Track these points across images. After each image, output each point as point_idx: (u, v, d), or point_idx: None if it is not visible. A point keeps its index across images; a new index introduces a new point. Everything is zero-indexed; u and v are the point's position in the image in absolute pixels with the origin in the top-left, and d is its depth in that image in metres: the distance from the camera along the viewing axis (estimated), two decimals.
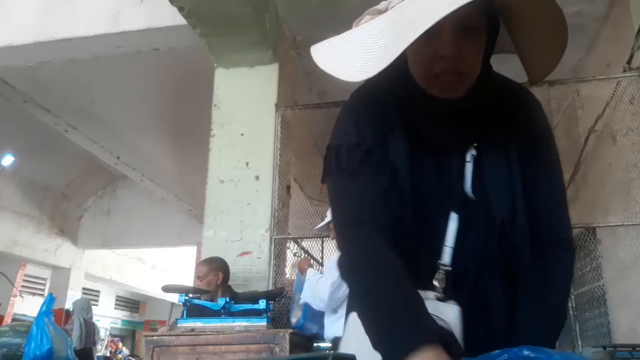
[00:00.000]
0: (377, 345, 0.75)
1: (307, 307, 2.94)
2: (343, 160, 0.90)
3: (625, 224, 3.58)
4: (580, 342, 4.17)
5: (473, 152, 0.91)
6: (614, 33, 4.01)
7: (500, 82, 0.96)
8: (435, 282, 0.87)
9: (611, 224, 3.82)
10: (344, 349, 0.90)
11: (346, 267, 0.87)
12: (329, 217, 2.97)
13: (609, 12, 4.04)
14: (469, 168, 0.90)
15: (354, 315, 0.88)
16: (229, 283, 3.28)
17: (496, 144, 0.92)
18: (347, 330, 0.93)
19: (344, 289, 2.49)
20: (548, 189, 0.93)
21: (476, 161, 0.91)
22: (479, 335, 0.85)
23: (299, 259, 4.44)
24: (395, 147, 0.91)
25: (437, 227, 0.89)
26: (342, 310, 2.56)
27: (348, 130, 0.93)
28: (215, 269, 3.14)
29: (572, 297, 4.42)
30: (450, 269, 0.87)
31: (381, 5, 0.90)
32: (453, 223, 0.89)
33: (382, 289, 0.79)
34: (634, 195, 3.58)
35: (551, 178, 0.94)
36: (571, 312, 4.28)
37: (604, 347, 3.31)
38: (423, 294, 0.82)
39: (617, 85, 3.68)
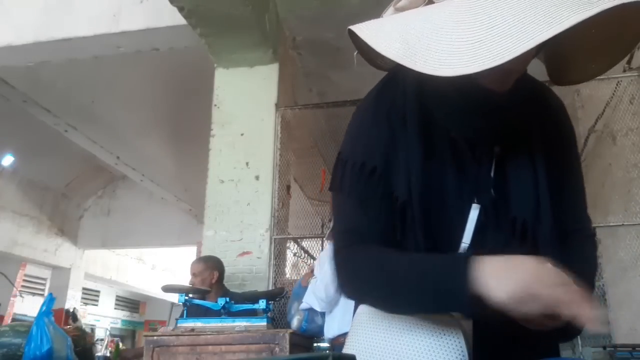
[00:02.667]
0: (440, 305, 0.74)
1: (307, 312, 2.93)
2: (349, 182, 0.87)
3: (625, 224, 3.58)
4: (580, 342, 4.17)
5: (497, 149, 0.87)
6: None
7: (527, 80, 0.89)
8: None
9: (611, 224, 3.81)
10: (351, 343, 0.89)
11: (354, 278, 0.84)
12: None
13: None
14: (492, 167, 0.87)
15: (360, 310, 0.88)
16: (226, 283, 3.29)
17: (521, 142, 0.88)
18: (354, 325, 0.91)
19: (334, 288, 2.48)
20: (572, 189, 0.92)
21: (500, 159, 0.87)
22: (493, 333, 0.79)
23: (298, 258, 4.44)
24: (408, 150, 0.86)
25: (459, 224, 0.86)
26: (336, 310, 2.57)
27: (356, 145, 0.89)
28: (211, 268, 3.15)
29: None
30: None
31: None
32: (472, 221, 0.85)
33: (404, 264, 0.78)
34: (634, 195, 3.58)
35: (575, 179, 0.93)
36: None
37: (604, 347, 3.31)
38: None
39: (617, 85, 3.68)
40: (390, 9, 0.85)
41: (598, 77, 3.89)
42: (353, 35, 0.78)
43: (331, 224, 3.05)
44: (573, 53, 0.84)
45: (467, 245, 0.84)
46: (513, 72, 0.75)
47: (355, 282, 0.85)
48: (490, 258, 0.70)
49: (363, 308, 0.89)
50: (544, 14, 0.62)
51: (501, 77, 0.75)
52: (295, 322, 2.95)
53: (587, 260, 0.89)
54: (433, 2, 0.78)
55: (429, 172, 0.85)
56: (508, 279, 0.67)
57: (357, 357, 0.75)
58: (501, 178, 0.87)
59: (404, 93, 0.89)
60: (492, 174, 0.86)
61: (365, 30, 0.76)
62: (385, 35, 0.73)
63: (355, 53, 0.87)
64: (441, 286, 0.73)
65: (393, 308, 0.83)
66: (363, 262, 0.83)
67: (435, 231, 0.84)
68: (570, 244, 0.88)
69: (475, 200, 0.85)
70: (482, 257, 0.70)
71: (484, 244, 0.84)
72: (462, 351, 0.76)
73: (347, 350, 0.88)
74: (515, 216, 0.84)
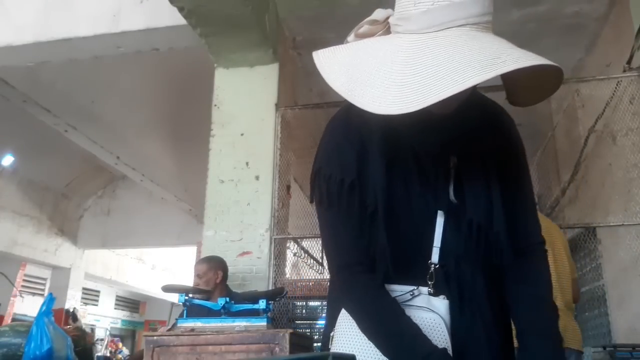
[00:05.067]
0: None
1: None
2: (328, 196, 0.97)
3: (625, 224, 3.59)
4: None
5: (454, 160, 0.98)
6: (614, 33, 4.01)
7: (479, 98, 1.03)
8: (428, 279, 0.96)
9: (611, 224, 3.82)
10: (338, 341, 0.99)
11: (347, 308, 0.98)
12: None
13: (609, 12, 4.04)
14: (452, 175, 0.98)
15: (344, 312, 0.99)
16: (228, 283, 3.28)
17: (474, 155, 0.99)
18: (339, 325, 1.00)
19: None
20: (522, 200, 1.03)
21: (458, 170, 0.98)
22: (464, 326, 0.94)
23: (298, 258, 4.45)
24: (374, 162, 0.96)
25: (427, 229, 0.97)
26: None
27: (331, 159, 0.98)
28: (215, 268, 3.13)
29: None
30: (438, 266, 0.96)
31: (379, 15, 0.92)
32: (440, 225, 0.97)
33: (386, 328, 0.93)
34: (634, 195, 3.58)
35: (525, 191, 1.04)
36: None
37: (604, 347, 3.32)
38: (417, 290, 0.95)
39: (617, 85, 3.68)
40: (352, 36, 0.96)
41: (598, 77, 3.88)
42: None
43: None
44: (514, 87, 0.97)
45: (438, 248, 0.96)
46: (450, 101, 0.80)
47: (350, 313, 0.98)
48: None
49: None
50: (454, 72, 0.75)
51: (440, 106, 0.80)
52: None
53: (541, 278, 1.02)
54: (390, 32, 0.90)
55: (394, 182, 0.96)
56: None
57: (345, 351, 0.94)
58: (459, 187, 0.97)
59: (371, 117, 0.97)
60: (451, 183, 0.97)
61: (322, 59, 0.90)
62: (335, 66, 0.87)
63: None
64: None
65: (366, 334, 0.96)
66: (357, 303, 0.97)
67: (406, 237, 0.96)
68: (527, 257, 1.01)
69: (439, 207, 0.97)
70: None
71: (449, 247, 0.96)
72: (447, 337, 0.92)
73: (335, 346, 0.99)
74: (471, 219, 0.95)
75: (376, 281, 0.95)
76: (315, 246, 4.90)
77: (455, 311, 0.94)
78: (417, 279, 0.96)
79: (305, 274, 5.29)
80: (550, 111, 5.15)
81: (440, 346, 0.90)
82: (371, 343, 0.93)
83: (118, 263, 12.34)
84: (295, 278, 5.36)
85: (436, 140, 0.97)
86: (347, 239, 0.97)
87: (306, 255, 4.78)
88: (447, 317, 0.94)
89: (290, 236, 4.15)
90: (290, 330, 2.43)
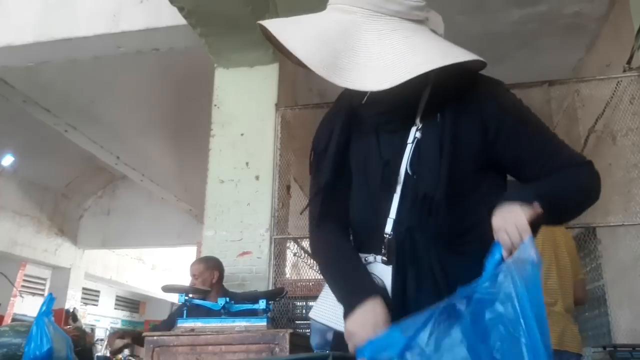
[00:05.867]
0: (340, 301, 1.03)
1: None
2: (311, 164, 1.16)
3: (625, 224, 3.58)
4: None
5: (417, 134, 1.04)
6: (614, 33, 4.01)
7: (461, 75, 1.04)
8: (382, 249, 1.03)
9: (611, 224, 3.81)
10: (318, 303, 1.11)
11: (313, 253, 1.17)
12: None
13: (609, 12, 4.04)
14: (408, 148, 1.03)
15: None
16: (226, 283, 3.28)
17: (434, 128, 1.03)
18: (322, 292, 1.12)
19: None
20: (525, 145, 1.04)
21: (418, 142, 1.03)
22: (412, 293, 1.00)
23: (298, 258, 4.44)
24: (333, 139, 1.10)
25: (384, 201, 1.04)
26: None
27: (315, 136, 1.17)
28: (211, 268, 3.14)
29: None
30: (392, 237, 1.02)
31: None
32: (396, 198, 1.03)
33: (336, 267, 1.07)
34: (634, 195, 3.57)
35: (525, 136, 1.04)
36: None
37: (604, 347, 3.31)
38: (372, 257, 1.04)
39: (617, 85, 3.67)
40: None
41: (598, 77, 3.88)
42: (263, 29, 0.97)
43: None
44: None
45: (393, 219, 1.02)
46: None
47: (313, 255, 1.18)
48: (360, 309, 0.96)
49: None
50: (410, 60, 0.90)
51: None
52: None
53: (570, 173, 1.04)
54: None
55: (355, 156, 1.09)
56: (347, 323, 0.97)
57: (321, 311, 1.08)
58: (417, 158, 1.03)
59: (348, 95, 1.09)
60: (405, 157, 1.04)
61: (287, 32, 0.96)
62: (303, 40, 0.93)
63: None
64: (342, 299, 1.02)
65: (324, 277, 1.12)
66: (318, 246, 1.14)
67: (365, 208, 1.07)
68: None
69: (395, 184, 1.04)
70: (364, 304, 0.96)
71: (403, 218, 1.02)
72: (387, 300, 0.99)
73: (315, 306, 1.11)
74: (421, 191, 1.00)
75: (339, 232, 1.10)
76: None
77: (397, 280, 1.00)
78: (374, 249, 1.04)
79: (305, 274, 5.29)
80: (550, 111, 5.15)
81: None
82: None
83: (118, 263, 12.34)
84: (295, 278, 5.35)
85: (394, 116, 1.05)
86: (315, 198, 1.12)
87: (306, 255, 4.78)
88: (389, 283, 1.01)
89: (290, 236, 4.14)
90: (290, 330, 2.43)
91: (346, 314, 0.98)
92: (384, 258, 1.02)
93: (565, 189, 1.00)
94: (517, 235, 0.85)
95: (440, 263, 0.99)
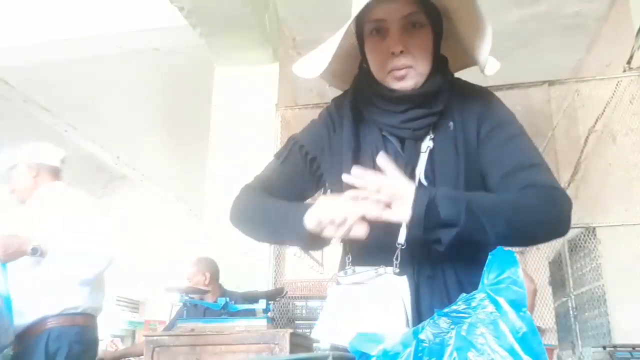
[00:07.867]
0: (284, 236, 1.02)
1: None
2: (281, 150, 1.17)
3: (625, 224, 3.58)
4: (580, 342, 4.17)
5: (430, 143, 1.04)
6: (614, 33, 4.01)
7: (460, 85, 1.10)
8: (394, 260, 1.00)
9: (611, 224, 3.81)
10: (325, 314, 1.04)
11: (242, 205, 1.12)
12: None
13: (609, 12, 4.04)
14: (423, 157, 1.03)
15: (330, 292, 1.06)
16: (226, 284, 3.29)
17: (448, 136, 1.04)
18: (328, 298, 1.06)
19: None
20: (508, 161, 1.02)
21: (431, 151, 1.04)
22: (427, 305, 0.97)
23: (299, 258, 4.44)
24: (341, 141, 1.09)
25: None
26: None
27: (304, 133, 1.18)
28: (202, 269, 3.17)
29: (572, 297, 4.42)
30: (404, 247, 1.00)
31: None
32: None
33: (276, 203, 1.07)
34: (634, 195, 3.57)
35: (509, 151, 1.03)
36: (571, 312, 4.28)
37: (604, 347, 3.31)
38: (383, 269, 1.00)
39: (617, 85, 3.67)
40: None
41: (598, 77, 3.88)
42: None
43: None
44: (471, 50, 1.08)
45: (407, 230, 0.97)
46: (410, 71, 1.02)
47: (237, 212, 1.12)
48: (318, 202, 0.95)
49: (331, 291, 1.07)
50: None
51: (397, 77, 1.02)
52: None
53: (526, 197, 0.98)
54: None
55: (363, 166, 1.02)
56: (313, 213, 0.93)
57: (330, 324, 1.01)
58: (430, 168, 1.03)
59: (348, 101, 1.12)
60: (420, 166, 1.03)
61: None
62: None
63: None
64: (290, 223, 0.98)
65: (256, 235, 1.12)
66: (247, 199, 1.12)
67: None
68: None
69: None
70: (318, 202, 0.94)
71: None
72: (404, 313, 0.95)
73: (321, 318, 1.04)
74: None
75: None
76: None
77: (413, 289, 0.98)
78: (384, 260, 1.01)
79: (305, 274, 5.29)
80: (550, 111, 5.15)
81: (398, 323, 0.93)
82: (348, 313, 0.99)
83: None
84: (295, 278, 5.36)
85: (403, 120, 1.04)
86: (265, 174, 1.16)
87: (306, 255, 4.77)
88: (407, 296, 0.98)
89: None
90: (290, 330, 2.43)
91: (306, 217, 0.94)
92: (396, 270, 1.00)
93: (502, 203, 0.95)
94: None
95: (455, 273, 0.99)
